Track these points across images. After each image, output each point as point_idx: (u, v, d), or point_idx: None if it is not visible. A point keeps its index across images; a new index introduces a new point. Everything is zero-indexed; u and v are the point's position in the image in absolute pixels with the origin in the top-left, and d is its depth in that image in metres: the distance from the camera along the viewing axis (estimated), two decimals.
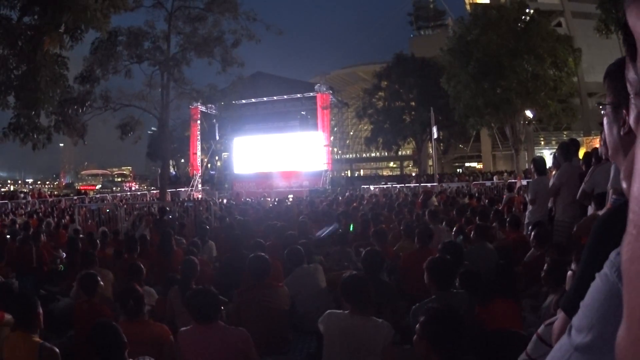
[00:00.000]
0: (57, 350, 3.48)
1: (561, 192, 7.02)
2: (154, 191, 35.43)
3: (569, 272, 2.97)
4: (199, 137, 37.79)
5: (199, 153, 37.97)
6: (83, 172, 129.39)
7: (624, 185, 0.97)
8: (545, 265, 4.30)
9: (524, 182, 18.50)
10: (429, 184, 28.95)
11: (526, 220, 7.67)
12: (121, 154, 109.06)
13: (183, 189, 34.62)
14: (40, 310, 3.65)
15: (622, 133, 1.34)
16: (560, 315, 1.47)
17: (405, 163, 66.56)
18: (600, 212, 4.21)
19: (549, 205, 7.46)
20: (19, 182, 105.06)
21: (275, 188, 31.94)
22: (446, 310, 2.90)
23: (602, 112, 1.45)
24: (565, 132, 40.56)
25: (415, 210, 11.24)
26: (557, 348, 1.15)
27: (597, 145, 5.94)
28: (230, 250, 7.20)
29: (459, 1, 64.61)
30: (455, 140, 50.50)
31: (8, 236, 10.30)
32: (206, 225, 9.84)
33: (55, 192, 48.94)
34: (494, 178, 32.49)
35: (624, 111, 1.33)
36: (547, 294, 4.36)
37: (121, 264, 6.95)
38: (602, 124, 1.47)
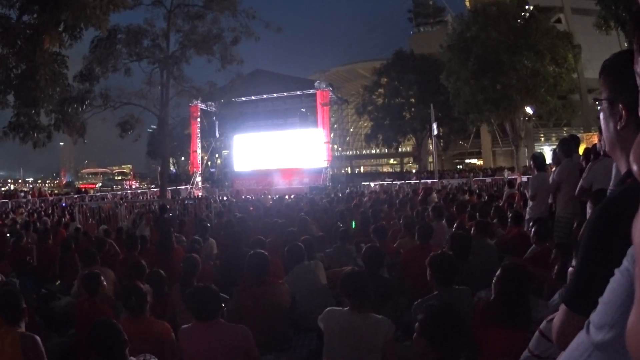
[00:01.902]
0: (37, 337, 3.58)
1: (562, 188, 7.03)
2: (154, 189, 35.43)
3: (570, 269, 2.96)
4: (198, 135, 37.76)
5: (199, 151, 37.94)
6: (83, 171, 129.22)
7: (634, 167, 0.97)
8: (556, 266, 4.28)
9: (524, 179, 18.49)
10: (429, 181, 28.91)
11: (527, 217, 7.67)
12: (121, 152, 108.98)
13: (183, 187, 34.62)
14: (24, 306, 3.71)
15: (618, 128, 1.35)
16: (561, 309, 1.46)
17: (406, 160, 66.48)
18: None
19: (549, 201, 7.46)
20: (19, 181, 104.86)
21: (275, 185, 31.90)
22: (445, 308, 2.91)
23: (599, 107, 1.45)
24: (565, 129, 40.49)
25: (416, 207, 11.24)
26: (573, 347, 1.13)
27: (597, 142, 5.94)
28: (230, 248, 7.20)
29: None
30: (455, 136, 50.49)
31: (8, 235, 10.32)
32: (206, 223, 9.84)
33: (56, 191, 48.92)
34: (505, 173, 32.03)
35: (620, 106, 1.33)
36: (553, 291, 4.33)
37: (122, 262, 6.96)
38: (599, 118, 1.48)
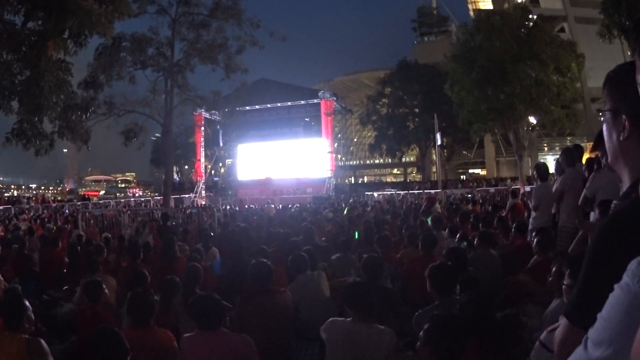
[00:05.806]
0: (42, 341, 3.51)
1: (565, 197, 7.01)
2: (158, 197, 35.46)
3: (564, 287, 2.94)
4: (202, 144, 37.89)
5: (202, 159, 38.04)
6: (87, 178, 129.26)
7: None
8: (553, 271, 4.25)
9: (528, 188, 18.43)
10: (432, 191, 28.87)
11: (530, 227, 7.65)
12: (125, 160, 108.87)
13: (187, 196, 34.64)
14: (31, 315, 3.65)
15: (621, 138, 1.35)
16: (562, 322, 1.45)
17: (409, 169, 66.56)
18: None
19: (553, 211, 7.44)
20: (23, 187, 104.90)
21: (278, 195, 31.91)
22: (450, 317, 2.89)
23: (602, 118, 1.45)
24: (568, 138, 40.52)
25: (420, 217, 11.21)
26: None
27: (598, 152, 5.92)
28: (233, 257, 7.18)
29: (462, 7, 65.02)
30: (459, 146, 50.56)
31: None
32: (209, 231, 9.83)
33: (59, 198, 49.02)
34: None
35: (623, 117, 1.33)
36: (549, 302, 4.30)
37: (124, 270, 6.95)
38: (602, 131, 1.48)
